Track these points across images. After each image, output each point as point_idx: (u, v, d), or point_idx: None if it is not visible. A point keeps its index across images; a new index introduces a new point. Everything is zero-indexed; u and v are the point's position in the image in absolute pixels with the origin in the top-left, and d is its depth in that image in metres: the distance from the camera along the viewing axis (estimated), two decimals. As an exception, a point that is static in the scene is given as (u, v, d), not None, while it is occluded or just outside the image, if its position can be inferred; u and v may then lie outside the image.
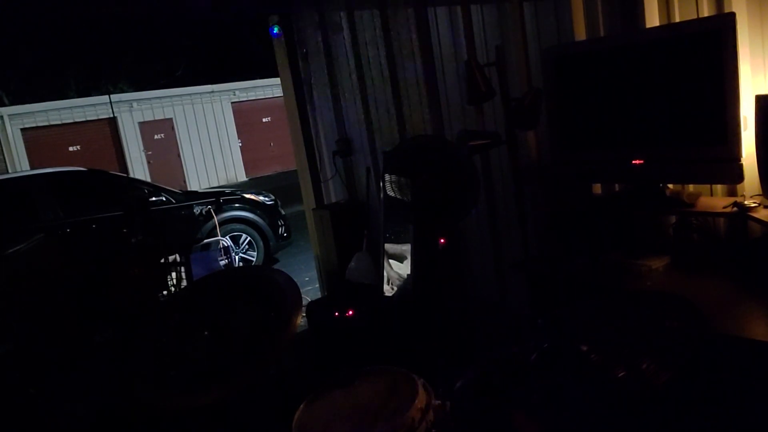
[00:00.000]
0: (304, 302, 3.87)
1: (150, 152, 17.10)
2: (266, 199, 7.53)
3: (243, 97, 18.74)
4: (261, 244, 7.22)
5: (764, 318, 1.93)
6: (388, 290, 3.99)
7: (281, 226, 7.40)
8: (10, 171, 14.33)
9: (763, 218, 2.14)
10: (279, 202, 7.64)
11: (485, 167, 3.51)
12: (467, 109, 3.49)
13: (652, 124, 2.46)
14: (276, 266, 7.06)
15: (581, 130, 2.74)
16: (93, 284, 3.14)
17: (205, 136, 17.87)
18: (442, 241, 3.23)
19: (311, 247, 5.20)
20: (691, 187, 2.54)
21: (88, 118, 16.39)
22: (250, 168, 18.69)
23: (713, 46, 2.19)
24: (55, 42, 17.23)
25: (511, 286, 3.59)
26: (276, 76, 5.08)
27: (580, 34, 2.85)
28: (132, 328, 2.95)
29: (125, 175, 12.07)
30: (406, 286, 3.81)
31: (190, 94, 17.70)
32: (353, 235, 4.46)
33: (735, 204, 2.25)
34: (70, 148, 16.07)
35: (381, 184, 2.95)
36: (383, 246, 4.04)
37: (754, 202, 2.21)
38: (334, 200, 4.93)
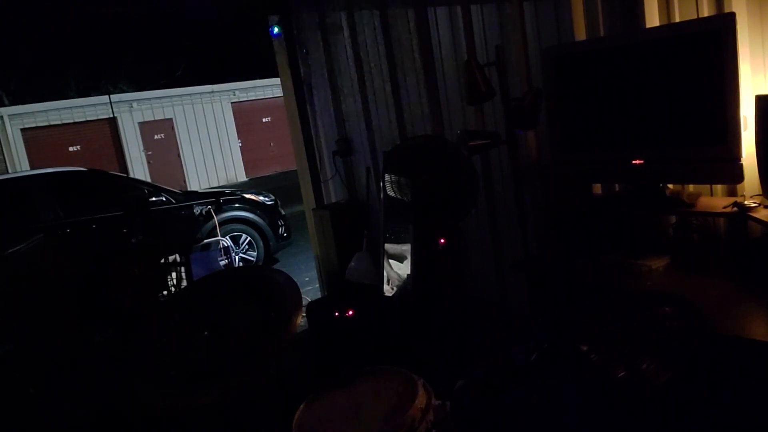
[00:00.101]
0: (304, 302, 3.87)
1: (150, 152, 17.10)
2: (266, 199, 7.53)
3: (243, 97, 18.74)
4: (261, 244, 7.22)
5: (764, 318, 1.93)
6: (388, 290, 3.99)
7: (281, 226, 7.40)
8: (10, 171, 14.33)
9: (763, 218, 2.14)
10: (279, 202, 7.64)
11: (485, 167, 3.51)
12: (467, 109, 3.49)
13: (652, 124, 2.46)
14: (276, 266, 7.06)
15: (581, 130, 2.74)
16: (93, 284, 3.15)
17: (205, 136, 17.87)
18: (442, 241, 3.23)
19: (311, 247, 5.20)
20: (691, 187, 2.54)
21: (88, 118, 16.39)
22: (250, 168, 18.69)
23: (713, 46, 2.19)
24: (55, 42, 17.24)
25: (511, 286, 3.59)
26: (276, 76, 5.08)
27: (580, 34, 2.85)
28: (132, 328, 2.95)
29: (125, 175, 12.08)
30: (406, 286, 3.81)
31: (190, 94, 17.69)
32: (353, 235, 4.46)
33: (735, 204, 2.25)
34: (70, 148, 16.07)
35: (381, 184, 2.95)
36: (383, 246, 4.04)
37: (754, 202, 2.21)
38: (334, 200, 4.93)
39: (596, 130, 2.69)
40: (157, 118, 17.21)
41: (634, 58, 2.48)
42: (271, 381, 2.86)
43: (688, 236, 2.52)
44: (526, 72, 3.01)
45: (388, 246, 4.03)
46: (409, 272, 3.81)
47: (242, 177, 18.48)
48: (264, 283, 2.77)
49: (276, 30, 4.69)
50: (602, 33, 2.77)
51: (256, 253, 7.21)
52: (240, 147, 18.62)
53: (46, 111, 15.88)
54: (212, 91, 18.06)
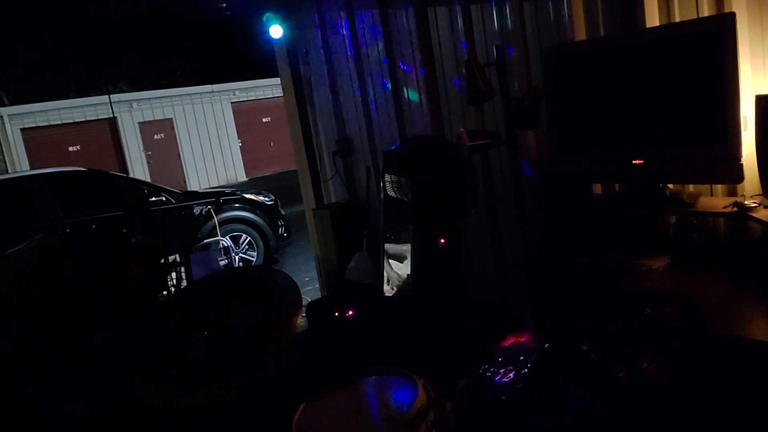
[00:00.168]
0: (304, 302, 3.87)
1: (150, 152, 17.10)
2: (266, 199, 7.53)
3: (243, 97, 18.74)
4: (261, 244, 7.22)
5: (764, 318, 1.93)
6: (388, 290, 3.99)
7: (281, 226, 7.40)
8: (10, 171, 14.33)
9: (763, 218, 2.14)
10: (279, 202, 7.64)
11: (485, 167, 3.51)
12: (467, 109, 3.49)
13: (652, 124, 2.46)
14: (276, 266, 7.06)
15: (581, 130, 2.74)
16: (93, 284, 3.15)
17: (205, 136, 17.87)
18: (442, 241, 3.23)
19: (311, 247, 5.20)
20: (691, 187, 2.54)
21: (88, 118, 16.39)
22: (250, 168, 18.69)
23: (713, 46, 2.19)
24: (55, 42, 17.23)
25: (511, 286, 3.59)
26: (276, 76, 5.07)
27: (580, 34, 2.85)
28: (132, 328, 2.95)
29: (125, 175, 12.08)
30: (406, 286, 3.81)
31: (190, 94, 17.70)
32: (353, 235, 4.46)
33: (735, 204, 2.25)
34: (70, 148, 16.07)
35: (381, 184, 2.95)
36: (383, 246, 4.04)
37: (754, 202, 2.21)
38: (334, 200, 4.93)
39: (596, 130, 2.69)
40: (157, 118, 17.21)
41: (634, 58, 2.48)
42: (271, 381, 2.85)
43: (688, 236, 2.52)
44: (526, 72, 3.01)
45: (388, 246, 4.03)
46: (409, 272, 3.81)
47: (242, 177, 18.48)
48: (264, 283, 2.77)
49: (274, 30, 4.65)
50: (602, 33, 2.77)
51: (256, 253, 7.21)
52: (240, 147, 18.62)
53: (46, 111, 15.88)
54: (212, 91, 18.06)
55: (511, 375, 1.87)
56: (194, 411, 2.53)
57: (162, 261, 3.62)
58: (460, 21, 3.42)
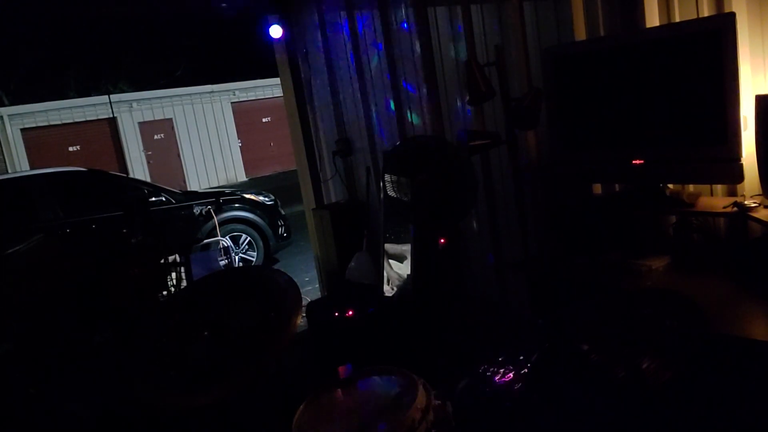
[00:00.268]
0: (304, 302, 3.87)
1: (150, 152, 17.10)
2: (266, 199, 7.53)
3: (243, 97, 18.73)
4: (261, 244, 7.22)
5: (764, 318, 1.93)
6: (388, 290, 3.99)
7: (281, 226, 7.40)
8: (10, 171, 14.33)
9: (763, 218, 2.14)
10: (279, 202, 7.64)
11: (485, 167, 3.51)
12: (467, 109, 3.48)
13: (652, 124, 2.46)
14: (276, 266, 7.06)
15: (581, 130, 2.74)
16: (93, 284, 3.14)
17: (205, 136, 17.86)
18: (442, 241, 3.23)
19: (311, 247, 5.20)
20: (691, 187, 2.54)
21: (88, 118, 16.39)
22: (250, 168, 18.68)
23: (713, 46, 2.19)
24: (55, 42, 17.23)
25: (511, 286, 3.59)
26: (276, 76, 5.07)
27: (580, 34, 2.85)
28: (132, 328, 2.95)
29: (125, 175, 12.08)
30: (406, 286, 3.81)
31: (190, 94, 17.69)
32: (353, 235, 4.46)
33: (735, 204, 2.25)
34: (70, 148, 16.07)
35: (381, 184, 2.95)
36: (383, 246, 4.04)
37: (754, 202, 2.21)
38: (334, 200, 4.92)
39: (596, 130, 2.69)
40: (157, 118, 17.21)
41: (634, 58, 2.48)
42: (271, 381, 2.85)
43: (688, 236, 2.52)
44: (526, 72, 3.01)
45: (388, 246, 4.03)
46: (409, 272, 3.81)
47: (242, 177, 18.48)
48: (264, 283, 2.77)
49: (274, 30, 4.65)
50: (602, 33, 2.77)
51: (256, 253, 7.21)
52: (240, 147, 18.61)
53: (46, 111, 15.88)
54: (212, 91, 18.05)
55: (511, 375, 1.87)
56: (194, 411, 2.53)
57: (162, 261, 3.62)
58: (460, 21, 3.42)
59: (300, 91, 4.83)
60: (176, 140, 17.47)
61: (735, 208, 2.23)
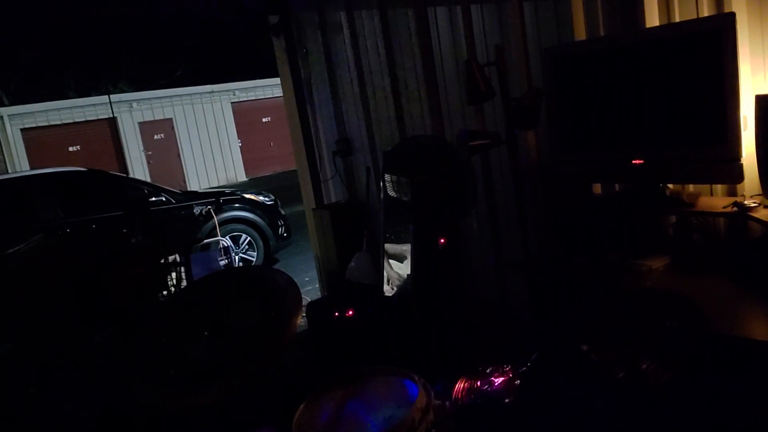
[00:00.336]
0: (304, 302, 3.87)
1: (150, 152, 17.10)
2: (266, 199, 7.53)
3: (243, 97, 18.74)
4: (261, 244, 7.22)
5: (764, 318, 1.93)
6: (388, 290, 3.99)
7: (281, 226, 7.40)
8: (10, 171, 14.33)
9: (763, 218, 2.14)
10: (279, 202, 7.64)
11: (485, 167, 3.51)
12: (467, 109, 3.49)
13: (652, 124, 2.46)
14: (276, 266, 7.06)
15: (581, 130, 2.74)
16: (93, 284, 3.14)
17: (205, 136, 17.87)
18: (442, 241, 3.23)
19: (311, 247, 5.20)
20: (691, 187, 2.54)
21: (88, 118, 16.39)
22: (250, 168, 18.69)
23: (713, 46, 2.19)
24: (55, 42, 17.24)
25: (511, 286, 3.59)
26: (276, 76, 5.08)
27: (580, 34, 2.85)
28: (132, 328, 2.95)
29: (125, 175, 12.08)
30: (406, 286, 3.81)
31: (190, 94, 17.70)
32: (353, 235, 4.46)
33: (735, 204, 2.25)
34: (70, 148, 16.07)
35: (381, 184, 2.95)
36: (383, 246, 4.04)
37: (754, 202, 2.21)
38: (334, 200, 4.93)
39: (596, 130, 2.69)
40: (157, 118, 17.21)
41: (634, 58, 2.48)
42: (271, 381, 2.85)
43: (688, 236, 2.52)
44: (526, 72, 3.01)
45: (388, 246, 4.03)
46: (409, 272, 3.81)
47: (242, 177, 18.49)
48: (264, 283, 2.77)
49: (274, 31, 4.65)
50: (602, 33, 2.77)
51: (256, 253, 7.21)
52: (240, 147, 18.62)
53: (46, 111, 15.88)
54: (212, 91, 18.06)
55: (511, 375, 1.87)
56: (194, 411, 2.53)
57: (162, 261, 3.62)
58: (460, 21, 3.42)
59: (300, 91, 4.83)
60: (176, 140, 17.48)
61: (735, 208, 2.23)
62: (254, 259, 7.19)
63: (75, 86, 19.41)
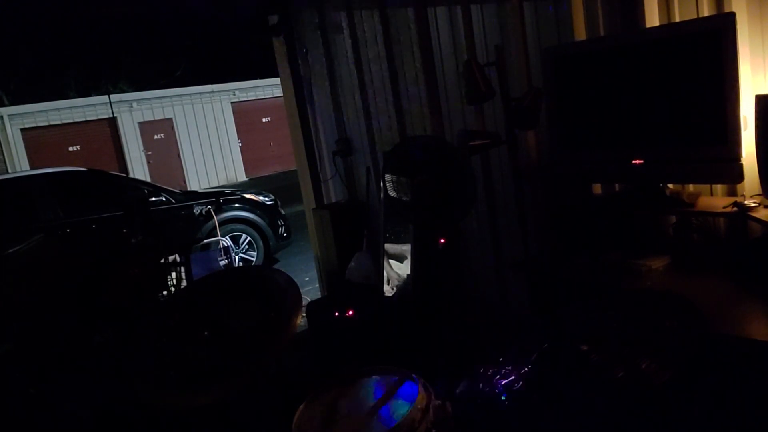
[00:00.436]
0: (304, 302, 3.87)
1: (150, 152, 17.10)
2: (266, 199, 7.53)
3: (243, 97, 18.75)
4: (261, 244, 7.22)
5: (764, 318, 1.93)
6: (388, 290, 3.99)
7: (281, 226, 7.40)
8: (10, 171, 14.33)
9: (763, 218, 2.14)
10: (279, 202, 7.64)
11: (485, 167, 3.51)
12: (467, 109, 3.48)
13: (652, 124, 2.46)
14: (276, 266, 7.06)
15: (581, 130, 2.74)
16: (93, 284, 3.14)
17: (205, 136, 17.88)
18: (442, 241, 3.23)
19: (311, 247, 5.20)
20: (691, 187, 2.54)
21: (88, 118, 16.40)
22: (250, 168, 18.70)
23: (713, 46, 2.19)
24: (55, 42, 17.25)
25: (511, 286, 3.59)
26: (276, 76, 5.07)
27: (580, 34, 2.85)
28: (132, 328, 2.95)
29: (125, 175, 12.08)
30: (406, 286, 3.81)
31: (190, 94, 17.71)
32: (353, 235, 4.46)
33: (735, 204, 2.25)
34: (70, 148, 16.08)
35: (381, 184, 2.95)
36: (383, 246, 4.04)
37: (754, 202, 2.21)
38: (334, 200, 4.92)
39: (596, 130, 2.69)
40: (157, 118, 17.22)
41: (634, 58, 2.48)
42: (271, 381, 2.85)
43: (688, 236, 2.52)
44: (526, 72, 3.01)
45: (388, 246, 4.03)
46: (409, 272, 3.81)
47: (242, 177, 18.49)
48: (264, 283, 2.77)
49: (274, 30, 4.64)
50: (602, 33, 2.77)
51: (256, 253, 7.21)
52: (240, 147, 18.62)
53: (46, 111, 15.89)
54: (212, 91, 18.06)
55: (511, 375, 1.87)
56: (194, 411, 2.53)
57: (162, 261, 3.62)
58: (460, 21, 3.42)
59: (300, 91, 4.83)
60: (176, 140, 17.48)
61: (735, 208, 2.23)
62: (254, 259, 7.19)
63: (75, 86, 19.42)
